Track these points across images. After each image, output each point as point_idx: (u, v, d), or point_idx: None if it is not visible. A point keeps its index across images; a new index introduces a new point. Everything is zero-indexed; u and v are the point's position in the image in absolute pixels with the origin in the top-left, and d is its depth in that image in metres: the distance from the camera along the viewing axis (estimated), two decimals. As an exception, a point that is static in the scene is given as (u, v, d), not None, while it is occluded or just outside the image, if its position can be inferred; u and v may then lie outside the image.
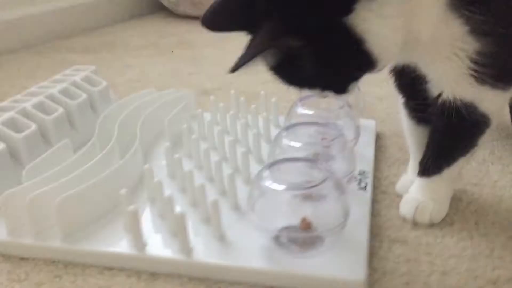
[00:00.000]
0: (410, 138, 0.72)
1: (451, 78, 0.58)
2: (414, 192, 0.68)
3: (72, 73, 0.93)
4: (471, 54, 0.55)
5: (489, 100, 0.60)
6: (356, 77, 0.57)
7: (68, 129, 0.83)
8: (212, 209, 0.60)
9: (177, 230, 0.58)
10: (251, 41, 0.54)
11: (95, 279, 0.58)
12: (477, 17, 0.52)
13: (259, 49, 0.52)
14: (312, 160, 0.61)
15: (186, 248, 0.58)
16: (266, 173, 0.57)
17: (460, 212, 0.67)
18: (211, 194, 0.66)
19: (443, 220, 0.66)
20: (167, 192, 0.64)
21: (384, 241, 0.62)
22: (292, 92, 0.62)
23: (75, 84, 0.89)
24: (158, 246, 0.60)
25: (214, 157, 0.72)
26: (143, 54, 1.56)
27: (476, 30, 0.53)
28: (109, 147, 0.73)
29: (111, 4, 2.03)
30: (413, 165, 0.72)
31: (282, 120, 0.86)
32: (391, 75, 0.68)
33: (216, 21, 0.59)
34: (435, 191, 0.66)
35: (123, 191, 0.62)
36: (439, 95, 0.60)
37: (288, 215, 0.58)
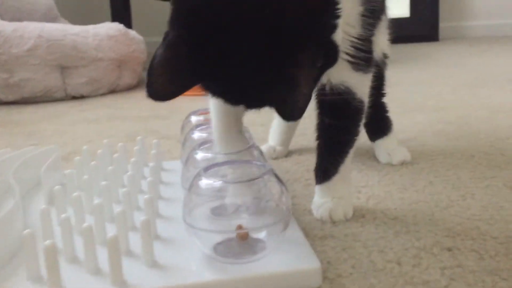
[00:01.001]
0: None
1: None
2: (321, 196, 0.71)
3: None
4: (352, 39, 0.62)
5: (363, 85, 0.68)
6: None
7: None
8: (143, 233, 0.53)
9: (109, 259, 0.50)
10: (293, 79, 0.50)
11: None
12: None
13: (315, 80, 0.53)
14: (248, 161, 0.60)
15: (119, 280, 0.50)
16: (202, 176, 0.54)
17: (365, 206, 0.72)
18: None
19: (354, 213, 0.69)
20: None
21: (315, 239, 0.63)
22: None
23: None
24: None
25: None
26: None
27: (367, 11, 0.61)
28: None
29: None
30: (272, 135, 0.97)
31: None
32: None
33: (174, 85, 0.53)
34: (339, 189, 0.70)
35: (26, 231, 0.51)
36: (320, 87, 0.66)
37: (226, 222, 0.55)
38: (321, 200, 0.70)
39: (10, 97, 1.80)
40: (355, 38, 0.62)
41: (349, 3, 0.59)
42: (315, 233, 0.64)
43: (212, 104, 0.67)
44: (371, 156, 0.94)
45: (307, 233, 0.64)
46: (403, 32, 3.42)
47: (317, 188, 0.72)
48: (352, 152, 0.70)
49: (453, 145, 1.00)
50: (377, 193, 0.77)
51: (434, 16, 3.50)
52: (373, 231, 0.64)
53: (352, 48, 0.62)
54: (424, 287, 0.51)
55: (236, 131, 0.68)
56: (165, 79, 0.51)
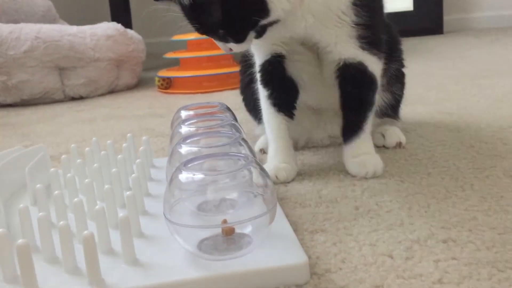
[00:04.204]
0: (270, 125, 0.81)
1: (341, 42, 0.72)
2: (351, 155, 0.79)
3: None
4: (351, 24, 0.68)
5: (373, 63, 0.74)
6: (252, 25, 0.65)
7: None
8: (122, 230, 0.51)
9: (85, 257, 0.48)
10: None
11: None
12: None
13: None
14: (231, 153, 0.57)
15: (96, 279, 0.48)
16: (182, 169, 0.52)
17: (359, 199, 0.70)
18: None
19: (348, 206, 0.67)
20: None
21: (304, 233, 0.60)
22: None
23: None
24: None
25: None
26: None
27: (356, 2, 0.62)
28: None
29: None
30: (272, 152, 0.81)
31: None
32: (259, 73, 0.81)
33: None
34: (367, 146, 0.79)
35: (1, 230, 0.49)
36: (337, 62, 0.74)
37: (209, 217, 0.53)
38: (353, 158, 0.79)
39: (9, 100, 1.79)
40: (353, 23, 0.70)
41: None
42: (306, 227, 0.62)
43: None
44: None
45: (297, 228, 0.62)
46: (407, 25, 3.39)
47: (345, 148, 0.80)
48: (371, 117, 0.79)
49: (453, 135, 0.97)
50: (372, 185, 0.74)
51: (438, 9, 3.45)
52: (366, 225, 0.62)
53: (353, 31, 0.71)
54: (416, 281, 0.49)
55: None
56: None
